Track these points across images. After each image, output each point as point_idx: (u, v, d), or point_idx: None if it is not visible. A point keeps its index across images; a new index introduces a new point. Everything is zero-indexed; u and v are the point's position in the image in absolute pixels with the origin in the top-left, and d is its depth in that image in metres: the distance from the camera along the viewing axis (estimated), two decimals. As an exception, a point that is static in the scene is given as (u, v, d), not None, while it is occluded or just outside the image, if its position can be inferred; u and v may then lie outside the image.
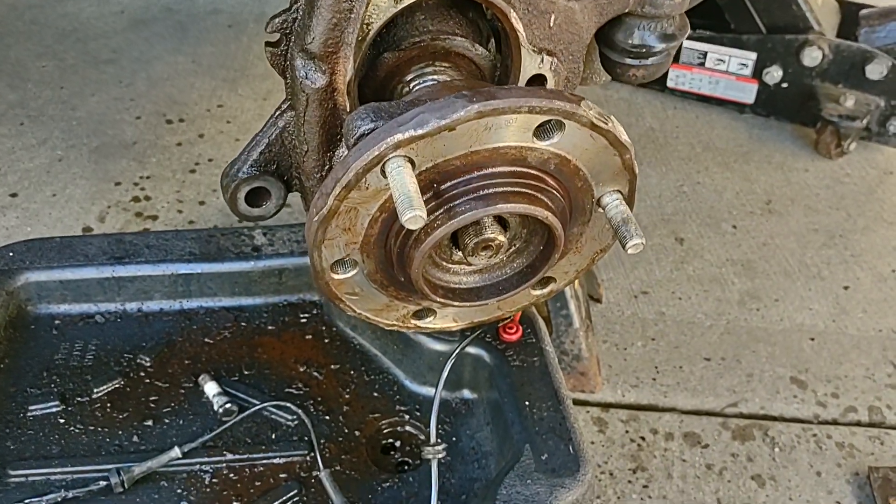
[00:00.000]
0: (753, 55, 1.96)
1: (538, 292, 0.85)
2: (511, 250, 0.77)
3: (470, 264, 0.76)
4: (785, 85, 1.96)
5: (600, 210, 0.74)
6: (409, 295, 0.79)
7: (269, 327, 1.26)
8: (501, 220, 0.73)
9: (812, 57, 1.89)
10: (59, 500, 0.99)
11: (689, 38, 2.00)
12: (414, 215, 0.60)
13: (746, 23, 1.96)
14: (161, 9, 2.32)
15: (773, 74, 1.95)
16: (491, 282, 0.78)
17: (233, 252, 1.27)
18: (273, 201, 0.83)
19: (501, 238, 0.72)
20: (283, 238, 1.30)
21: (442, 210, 0.67)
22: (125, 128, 1.90)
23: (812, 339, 1.51)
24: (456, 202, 0.67)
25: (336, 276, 0.74)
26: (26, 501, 0.99)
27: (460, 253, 0.74)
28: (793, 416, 1.39)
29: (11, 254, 1.21)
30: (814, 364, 1.47)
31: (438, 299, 0.75)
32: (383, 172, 0.64)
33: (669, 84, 2.08)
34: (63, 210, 1.67)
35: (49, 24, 2.23)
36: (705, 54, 2.01)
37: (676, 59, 2.02)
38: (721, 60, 2.00)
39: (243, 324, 1.26)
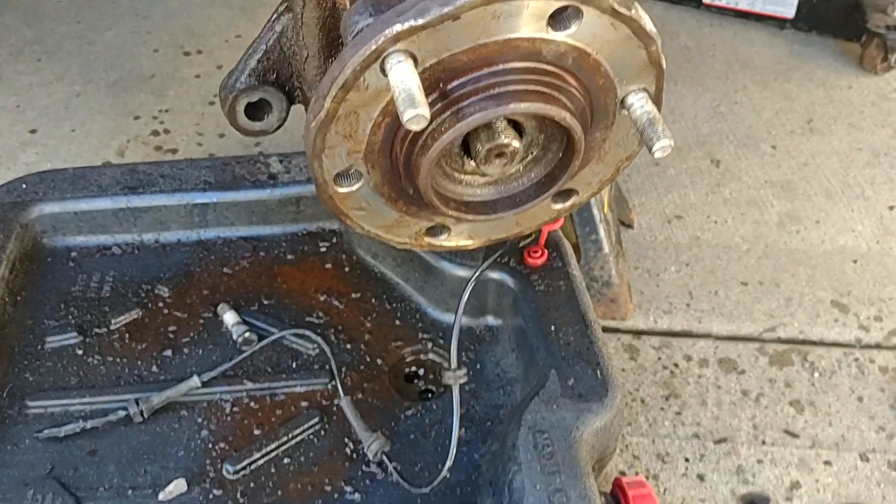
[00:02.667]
0: (795, -35, 1.84)
1: (559, 206, 0.80)
2: (528, 159, 0.72)
3: (483, 175, 0.71)
4: (829, -4, 1.84)
5: (625, 111, 0.68)
6: (419, 210, 0.75)
7: (289, 256, 1.23)
8: (516, 125, 0.68)
9: (859, -36, 1.77)
10: (79, 430, 0.98)
11: (727, -52, 1.88)
12: (416, 115, 0.56)
13: (788, -71, 1.84)
14: (176, -61, 2.25)
15: (817, -15, 1.83)
16: (507, 194, 0.73)
17: (249, 180, 1.23)
18: (275, 114, 0.79)
19: (516, 144, 0.66)
20: (300, 165, 1.26)
21: (449, 112, 0.62)
22: (143, 61, 1.86)
23: (854, 262, 1.45)
24: (464, 103, 0.62)
25: (340, 190, 0.70)
26: (45, 431, 0.98)
27: (472, 162, 0.69)
28: (833, 341, 1.33)
29: (24, 185, 1.19)
30: (856, 287, 1.40)
31: (450, 213, 0.71)
32: (383, 70, 0.59)
33: (705, 0, 1.97)
34: (82, 145, 1.64)
35: (63, -41, 2.18)
36: (744, -34, 1.89)
37: (713, -29, 1.91)
38: (761, -28, 1.89)
39: (262, 253, 1.23)
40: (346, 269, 1.21)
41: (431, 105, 0.60)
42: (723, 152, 1.66)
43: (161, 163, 1.26)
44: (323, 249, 1.24)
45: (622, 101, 0.68)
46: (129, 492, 0.94)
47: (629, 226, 1.50)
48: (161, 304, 1.14)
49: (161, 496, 0.93)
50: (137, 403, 1.00)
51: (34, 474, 0.95)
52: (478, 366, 1.10)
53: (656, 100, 0.67)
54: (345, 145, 0.65)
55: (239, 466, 0.96)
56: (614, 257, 1.33)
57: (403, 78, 0.57)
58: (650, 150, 0.64)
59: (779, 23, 1.93)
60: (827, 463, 1.17)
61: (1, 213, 1.15)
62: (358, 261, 1.22)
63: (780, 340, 1.34)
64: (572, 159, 0.68)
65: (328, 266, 1.22)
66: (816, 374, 1.28)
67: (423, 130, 0.63)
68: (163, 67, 1.85)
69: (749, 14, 1.95)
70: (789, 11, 1.91)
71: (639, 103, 0.66)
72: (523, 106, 0.62)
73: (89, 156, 1.62)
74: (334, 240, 1.25)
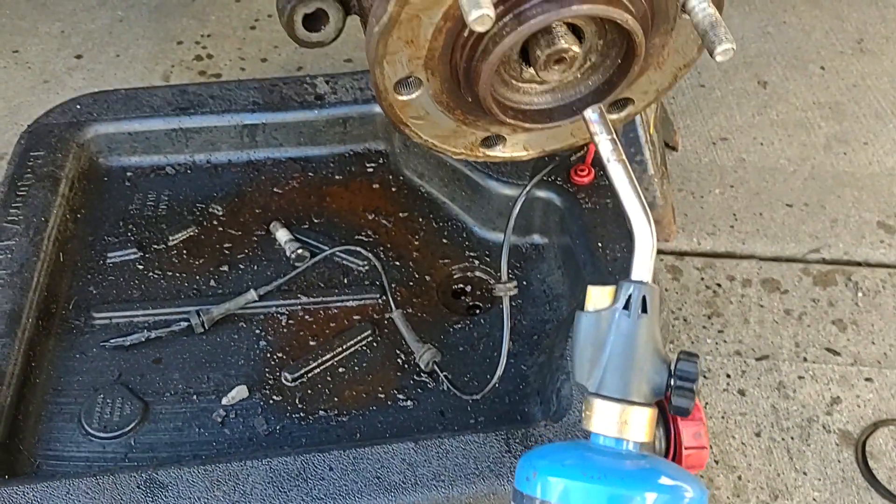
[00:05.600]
0: None
1: (614, 116, 0.80)
2: (586, 66, 0.72)
3: (542, 82, 0.72)
4: None
5: (685, 16, 0.68)
6: (476, 119, 0.76)
7: (337, 177, 1.25)
8: (576, 30, 0.68)
9: None
10: (143, 339, 1.03)
11: None
12: (481, 14, 0.56)
13: None
14: None
15: None
16: (564, 102, 0.73)
17: (296, 101, 1.25)
18: (332, 24, 0.79)
19: (576, 49, 0.67)
20: (346, 86, 1.27)
21: (511, 16, 0.63)
22: (183, -14, 1.86)
23: (903, 183, 1.43)
24: (526, 5, 0.62)
25: (400, 97, 0.71)
26: (111, 340, 1.03)
27: (531, 70, 0.70)
28: (878, 262, 1.33)
29: (79, 106, 1.21)
30: (904, 208, 1.39)
31: (508, 120, 0.72)
32: (447, -29, 0.60)
33: (755, -84, 1.90)
34: (128, 70, 1.66)
35: None
36: None
37: None
38: None
39: (310, 174, 1.25)
40: (393, 189, 1.23)
41: (493, 8, 0.60)
42: (770, 73, 1.63)
43: (210, 84, 1.28)
44: (370, 170, 1.26)
45: (683, 5, 0.68)
46: (194, 397, 0.99)
47: (674, 148, 1.49)
48: (216, 222, 1.18)
49: (224, 401, 0.98)
50: (199, 315, 1.03)
51: (103, 380, 1.00)
52: (524, 283, 1.12)
53: (718, 3, 0.67)
54: (406, 51, 0.66)
55: (297, 374, 1.00)
56: (659, 179, 1.33)
57: (468, -22, 0.57)
58: (711, 53, 0.64)
59: (831, -61, 1.87)
60: (868, 380, 1.18)
61: (58, 133, 1.18)
62: (405, 181, 1.24)
63: (824, 261, 1.34)
64: (632, 65, 0.68)
65: (375, 186, 1.24)
66: (860, 294, 1.28)
67: (483, 35, 0.64)
68: (203, -8, 1.85)
69: (800, -69, 1.88)
70: (842, -73, 1.84)
71: (700, 6, 0.65)
72: (585, 8, 0.62)
73: (135, 81, 1.64)
74: (381, 160, 1.26)
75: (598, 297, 0.68)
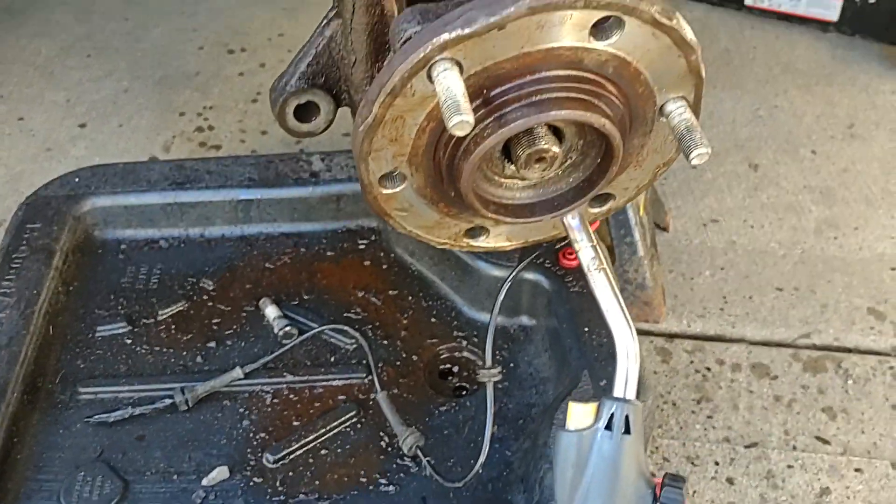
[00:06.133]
0: (839, -32, 1.83)
1: (595, 210, 0.82)
2: (566, 164, 0.74)
3: (523, 179, 0.73)
4: (873, 0, 1.82)
5: (663, 119, 0.70)
6: (460, 211, 0.77)
7: (328, 253, 1.26)
8: (556, 131, 0.70)
9: (905, -32, 1.75)
10: (127, 416, 1.02)
11: (770, -49, 1.87)
12: (460, 121, 0.58)
13: (832, -68, 1.83)
14: (222, -62, 2.29)
15: (861, -11, 1.82)
16: (545, 197, 0.75)
17: (291, 178, 1.27)
18: (322, 116, 0.82)
19: (555, 149, 0.68)
20: (341, 164, 1.29)
21: (492, 118, 0.65)
22: (188, 58, 1.91)
23: (893, 269, 1.44)
24: (506, 109, 0.64)
25: (385, 191, 0.72)
26: (95, 417, 1.02)
27: (513, 167, 0.72)
28: (868, 348, 1.33)
29: (77, 179, 1.23)
30: (893, 295, 1.39)
31: (490, 215, 0.73)
32: (430, 77, 0.62)
33: (748, 2, 1.96)
34: (129, 140, 1.69)
35: (113, -42, 2.24)
36: (786, -31, 1.88)
37: (755, -25, 1.90)
38: (804, -25, 1.88)
39: (302, 250, 1.26)
40: (384, 267, 1.24)
41: (475, 111, 0.62)
42: (761, 157, 1.66)
43: (207, 159, 1.30)
44: (362, 247, 1.27)
45: (661, 109, 0.70)
46: (175, 477, 0.98)
47: (665, 229, 1.50)
48: (206, 297, 1.18)
49: (204, 482, 0.97)
50: (183, 392, 1.03)
51: (84, 457, 0.99)
52: (511, 365, 1.12)
53: (695, 108, 0.69)
54: (390, 149, 0.68)
55: (278, 456, 0.99)
56: (649, 260, 1.34)
57: (449, 85, 0.59)
58: (687, 157, 0.65)
59: (822, 26, 1.92)
60: (858, 470, 1.17)
61: (55, 206, 1.20)
62: (395, 259, 1.25)
63: (814, 347, 1.33)
64: (610, 165, 0.70)
65: (367, 263, 1.25)
66: (850, 382, 1.28)
67: (466, 135, 0.65)
68: (207, 65, 1.90)
69: (791, 17, 1.93)
70: (833, 14, 1.89)
71: (677, 111, 0.67)
72: (564, 113, 0.64)
73: (136, 151, 1.67)
74: (373, 237, 1.28)
75: (579, 414, 0.67)
